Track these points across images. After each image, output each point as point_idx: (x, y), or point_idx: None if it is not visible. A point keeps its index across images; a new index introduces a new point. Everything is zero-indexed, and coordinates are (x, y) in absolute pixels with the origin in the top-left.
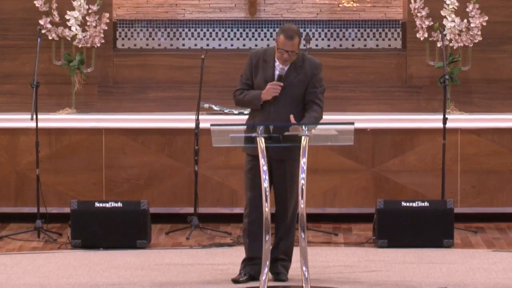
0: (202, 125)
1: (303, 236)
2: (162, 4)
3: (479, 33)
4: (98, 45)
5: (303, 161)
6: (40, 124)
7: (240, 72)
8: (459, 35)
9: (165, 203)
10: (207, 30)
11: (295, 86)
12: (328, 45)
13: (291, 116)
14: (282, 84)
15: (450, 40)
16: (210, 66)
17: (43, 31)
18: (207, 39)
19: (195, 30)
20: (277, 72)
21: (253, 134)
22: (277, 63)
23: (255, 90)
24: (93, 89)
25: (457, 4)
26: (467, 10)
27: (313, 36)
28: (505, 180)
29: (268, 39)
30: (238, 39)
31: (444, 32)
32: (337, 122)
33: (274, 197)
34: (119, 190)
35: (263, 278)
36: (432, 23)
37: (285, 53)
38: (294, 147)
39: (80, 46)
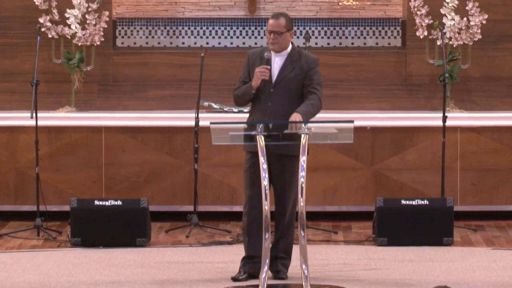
0: (201, 123)
1: (302, 234)
2: (161, 2)
3: (479, 31)
4: (98, 43)
5: (303, 159)
6: (40, 122)
7: (240, 70)
8: (459, 33)
9: (165, 201)
10: (207, 28)
11: (292, 81)
12: (328, 43)
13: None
14: (269, 67)
15: (450, 38)
16: (210, 64)
17: (42, 29)
18: (207, 37)
19: (195, 28)
20: (265, 60)
21: (253, 132)
22: (272, 57)
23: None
24: (93, 87)
25: (456, 2)
26: (467, 8)
27: (313, 34)
28: (504, 178)
29: None
30: (237, 37)
31: (444, 30)
32: (337, 120)
33: (274, 195)
34: (119, 188)
35: (263, 276)
36: (431, 21)
37: (271, 34)
38: (294, 144)
39: (79, 44)
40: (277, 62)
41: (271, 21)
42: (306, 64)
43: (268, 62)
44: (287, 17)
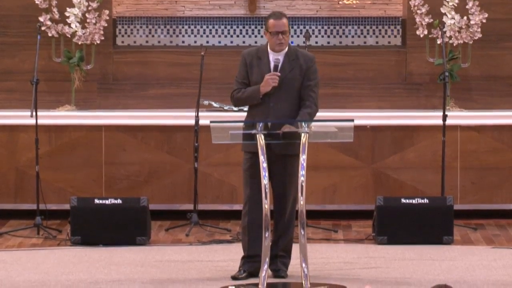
0: (201, 122)
1: (302, 233)
2: (161, 1)
3: (479, 30)
4: (98, 42)
5: (303, 158)
6: (40, 121)
7: None
8: (459, 32)
9: (165, 200)
10: (207, 27)
11: (292, 80)
12: (328, 42)
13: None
14: (279, 74)
15: (450, 37)
16: (210, 63)
17: (42, 28)
18: (207, 36)
19: (195, 27)
20: (272, 64)
21: (253, 131)
22: (271, 57)
23: (253, 86)
24: (93, 86)
25: (457, 1)
26: (467, 7)
27: (313, 33)
28: (504, 176)
29: None
30: (238, 36)
31: (444, 29)
32: (337, 119)
33: (273, 194)
34: (119, 187)
35: (263, 274)
36: (432, 20)
37: (279, 35)
38: (294, 142)
39: (80, 43)
40: (275, 58)
41: (275, 22)
42: (305, 62)
43: (277, 68)
44: (285, 15)
